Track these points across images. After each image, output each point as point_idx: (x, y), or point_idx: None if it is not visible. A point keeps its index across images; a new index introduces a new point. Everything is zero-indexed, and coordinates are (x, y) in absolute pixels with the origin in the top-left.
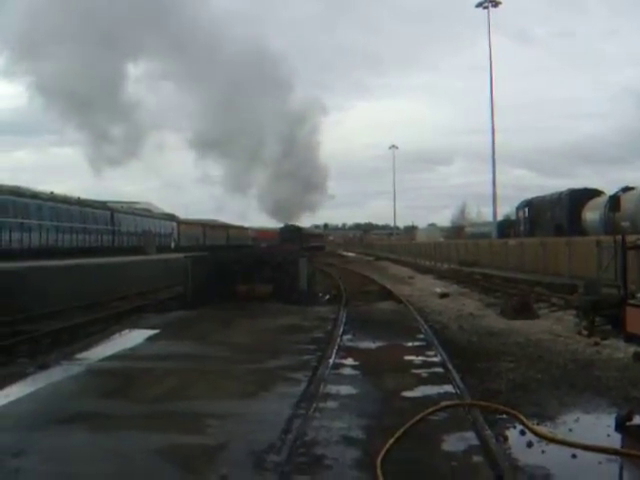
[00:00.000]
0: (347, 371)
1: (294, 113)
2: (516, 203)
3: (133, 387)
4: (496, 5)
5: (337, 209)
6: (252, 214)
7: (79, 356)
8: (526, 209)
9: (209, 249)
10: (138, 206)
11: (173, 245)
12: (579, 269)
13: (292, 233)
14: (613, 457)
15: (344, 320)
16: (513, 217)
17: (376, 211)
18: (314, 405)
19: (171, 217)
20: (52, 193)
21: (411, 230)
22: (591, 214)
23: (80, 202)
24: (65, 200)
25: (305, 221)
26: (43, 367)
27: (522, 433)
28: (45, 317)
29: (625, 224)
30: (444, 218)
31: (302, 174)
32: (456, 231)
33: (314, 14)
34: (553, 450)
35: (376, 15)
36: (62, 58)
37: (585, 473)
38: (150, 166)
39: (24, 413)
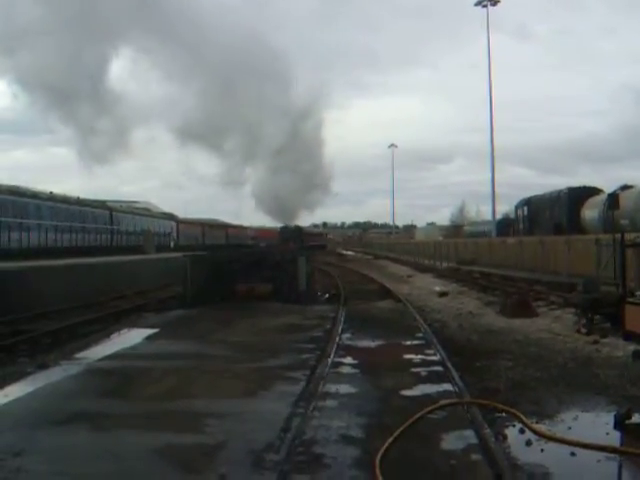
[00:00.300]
0: (346, 370)
1: (294, 107)
2: (515, 201)
3: (132, 386)
4: (495, 4)
5: (336, 208)
6: (250, 213)
7: (78, 355)
8: (525, 208)
9: (208, 248)
10: (137, 205)
11: (172, 244)
12: (578, 267)
13: (292, 232)
14: (612, 455)
15: (343, 319)
16: (512, 216)
17: (375, 210)
18: (313, 404)
19: (170, 216)
20: (51, 193)
21: (410, 229)
22: (590, 212)
23: (79, 202)
24: (64, 200)
25: (304, 220)
26: (43, 367)
27: (521, 431)
28: (44, 317)
29: (624, 222)
30: (443, 217)
31: (303, 170)
32: (455, 230)
33: (312, 10)
34: (552, 448)
35: (374, 12)
36: (42, 49)
37: (584, 471)
38: (147, 164)
39: (24, 413)
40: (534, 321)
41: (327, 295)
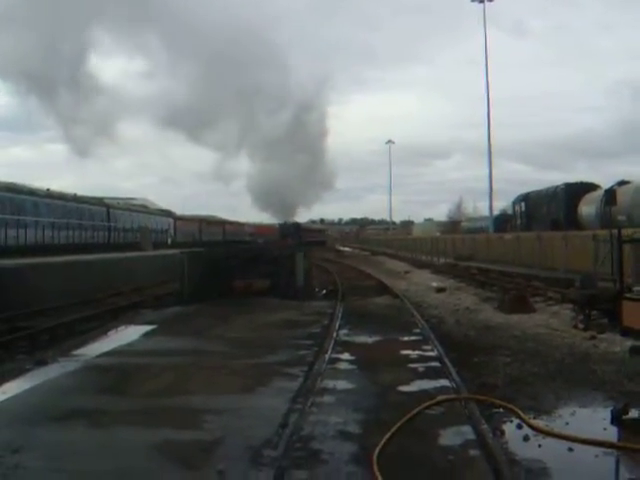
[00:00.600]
0: (344, 366)
1: (293, 98)
2: (513, 197)
3: (130, 383)
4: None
5: (333, 204)
6: (248, 209)
7: (76, 352)
8: (522, 203)
9: (206, 245)
10: (134, 202)
11: (169, 241)
12: (575, 263)
13: (291, 229)
14: (609, 451)
15: (341, 315)
16: (509, 211)
17: (372, 206)
18: (311, 400)
19: (167, 213)
20: (48, 190)
21: (407, 225)
22: (587, 208)
23: (76, 198)
24: (61, 196)
25: (301, 216)
26: (41, 363)
27: (519, 427)
28: (42, 313)
29: (621, 218)
30: (441, 213)
31: (304, 165)
32: (452, 226)
33: (310, 6)
34: (550, 444)
35: (372, 9)
36: (19, 36)
37: (582, 466)
38: (143, 160)
39: (22, 409)
40: (531, 317)
41: (324, 291)
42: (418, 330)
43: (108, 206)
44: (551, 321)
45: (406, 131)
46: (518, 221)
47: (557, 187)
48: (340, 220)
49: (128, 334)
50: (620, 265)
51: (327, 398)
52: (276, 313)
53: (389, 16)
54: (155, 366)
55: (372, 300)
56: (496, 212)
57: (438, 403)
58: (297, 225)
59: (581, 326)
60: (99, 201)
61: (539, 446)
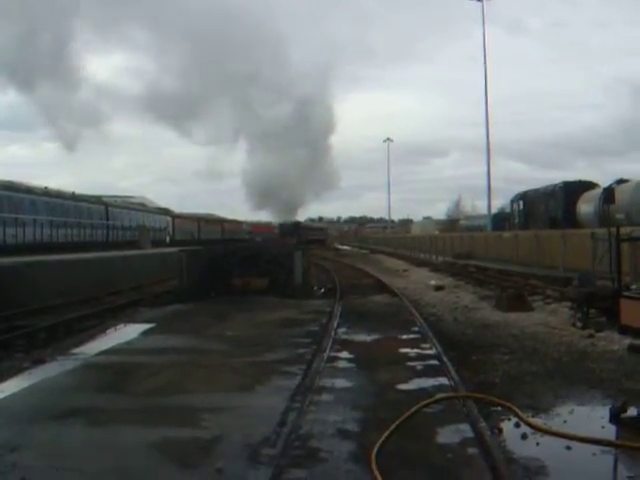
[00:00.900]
0: (342, 364)
1: (292, 90)
2: (511, 196)
3: (129, 381)
4: None
5: (332, 202)
6: (247, 208)
7: (75, 351)
8: (521, 202)
9: (204, 243)
10: (133, 200)
11: (168, 239)
12: (574, 261)
13: (291, 227)
14: (608, 449)
15: (339, 313)
16: (508, 210)
17: (371, 204)
18: (309, 398)
19: (166, 211)
20: (46, 188)
21: (406, 223)
22: (585, 206)
23: (74, 197)
24: (59, 195)
25: (299, 214)
26: (39, 362)
27: (517, 425)
28: (41, 312)
29: (619, 216)
30: (439, 211)
31: (305, 161)
32: (451, 224)
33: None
34: (548, 442)
35: (369, 6)
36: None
37: (580, 465)
38: (141, 159)
39: (20, 408)
40: (530, 315)
41: (323, 289)
42: (416, 328)
43: (107, 204)
44: (549, 319)
45: (404, 129)
46: (516, 219)
47: (555, 185)
48: (339, 218)
49: (127, 332)
50: (618, 263)
51: (325, 396)
52: (275, 311)
53: (386, 14)
54: (154, 364)
55: (371, 298)
56: (494, 210)
57: (436, 401)
58: (297, 224)
59: (579, 324)
60: (97, 199)
61: (537, 444)
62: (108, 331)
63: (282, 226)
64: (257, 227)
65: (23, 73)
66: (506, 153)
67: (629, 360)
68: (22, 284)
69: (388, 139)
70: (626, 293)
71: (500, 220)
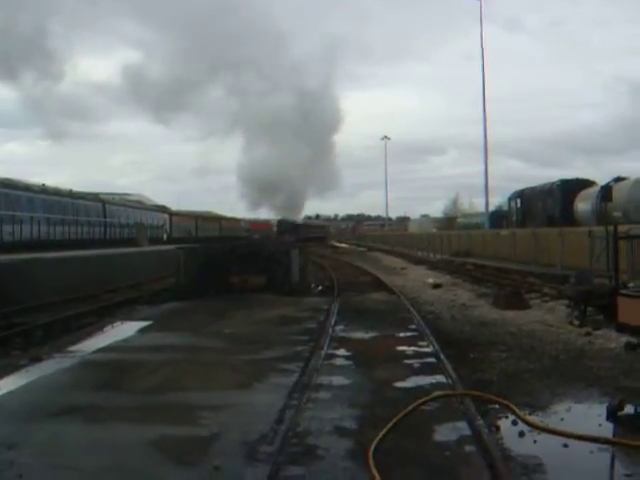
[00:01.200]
0: (339, 362)
1: (293, 82)
2: (508, 194)
3: (126, 379)
4: None
5: (329, 200)
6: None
7: (72, 348)
8: (518, 200)
9: (202, 241)
10: (130, 198)
11: (165, 237)
12: (571, 259)
13: (289, 225)
14: (605, 446)
15: (337, 311)
16: (505, 208)
17: (368, 202)
18: (307, 396)
19: (163, 209)
20: (44, 185)
21: (403, 221)
22: (583, 204)
23: (72, 194)
24: (57, 192)
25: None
26: (36, 359)
27: (514, 423)
28: (38, 309)
29: (617, 214)
30: (436, 209)
31: (306, 158)
32: (448, 222)
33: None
34: (545, 440)
35: (367, 4)
36: None
37: (577, 462)
38: (139, 156)
39: (17, 406)
40: (527, 313)
41: (320, 287)
42: (414, 326)
43: (104, 202)
44: (546, 317)
45: (402, 127)
46: (514, 217)
47: (553, 183)
48: (336, 216)
49: (124, 330)
50: (616, 261)
51: (323, 394)
52: (272, 309)
53: (383, 11)
54: (151, 362)
55: (368, 296)
56: (492, 208)
57: (434, 399)
58: (294, 221)
59: (576, 322)
60: (95, 197)
61: (534, 442)
62: (105, 329)
63: (280, 223)
64: (255, 224)
65: (11, 66)
66: (504, 151)
67: (626, 358)
68: (19, 281)
69: (386, 137)
70: (623, 291)
71: (498, 218)
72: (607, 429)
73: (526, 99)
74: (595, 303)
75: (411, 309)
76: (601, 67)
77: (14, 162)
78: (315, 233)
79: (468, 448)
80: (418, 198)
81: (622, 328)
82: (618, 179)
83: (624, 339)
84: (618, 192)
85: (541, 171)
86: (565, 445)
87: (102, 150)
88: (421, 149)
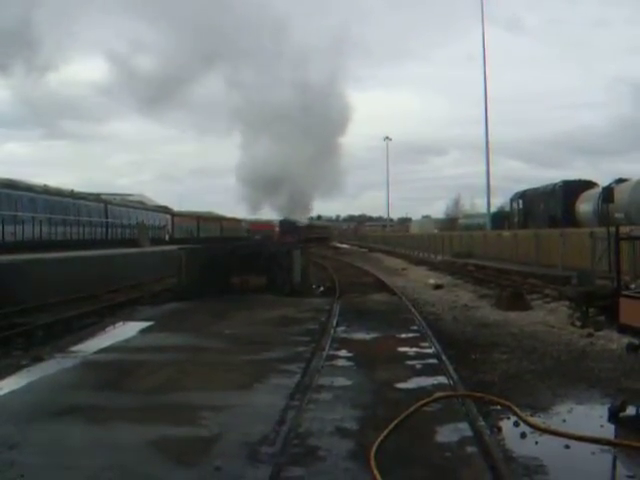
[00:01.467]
0: (341, 362)
1: (295, 79)
2: (509, 194)
3: (127, 379)
4: None
5: (331, 201)
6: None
7: (73, 348)
8: (520, 201)
9: (203, 241)
10: (132, 198)
11: (167, 237)
12: (573, 260)
13: (292, 226)
14: (606, 448)
15: (338, 312)
16: (507, 209)
17: (370, 203)
18: (308, 397)
19: (165, 209)
20: (45, 186)
21: (405, 222)
22: (585, 206)
23: (74, 195)
24: (58, 192)
25: (300, 213)
26: (38, 360)
27: (516, 424)
28: (39, 310)
29: (619, 215)
30: (438, 210)
31: (311, 157)
32: (450, 223)
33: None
34: (547, 441)
35: (366, 4)
36: None
37: (578, 464)
38: (141, 156)
39: (19, 406)
40: (529, 314)
41: (322, 288)
42: (416, 327)
43: (106, 202)
44: (548, 318)
45: (403, 128)
46: (515, 218)
47: (555, 184)
48: (337, 217)
49: (125, 330)
50: (617, 262)
51: (324, 395)
52: (274, 310)
53: (383, 12)
54: (152, 362)
55: (370, 297)
56: (494, 209)
57: (435, 400)
58: (297, 222)
59: (578, 323)
60: (97, 197)
61: (536, 443)
62: (107, 329)
63: (283, 224)
64: (256, 225)
65: (12, 66)
66: (505, 152)
67: (628, 359)
68: (21, 282)
69: (387, 138)
70: (625, 292)
71: (499, 219)
72: (609, 430)
73: (526, 100)
74: (597, 304)
75: (412, 310)
76: (602, 67)
77: (14, 162)
78: (318, 234)
79: (470, 449)
80: (420, 199)
81: (624, 329)
82: (620, 180)
83: (626, 340)
84: (620, 193)
85: (541, 172)
86: (567, 446)
87: (102, 150)
88: (422, 150)
